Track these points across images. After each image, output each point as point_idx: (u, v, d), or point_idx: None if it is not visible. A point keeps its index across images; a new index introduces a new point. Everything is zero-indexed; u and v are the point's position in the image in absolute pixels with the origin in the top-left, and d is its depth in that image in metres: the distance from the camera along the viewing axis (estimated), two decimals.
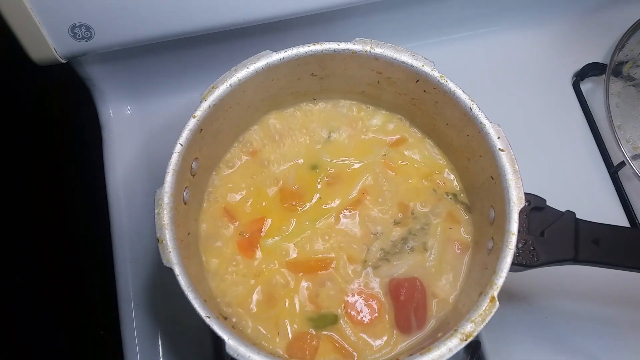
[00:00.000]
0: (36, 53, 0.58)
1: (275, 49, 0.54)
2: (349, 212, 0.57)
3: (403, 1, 0.69)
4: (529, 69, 0.76)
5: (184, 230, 0.51)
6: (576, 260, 0.49)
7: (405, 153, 0.61)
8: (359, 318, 0.53)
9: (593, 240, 0.49)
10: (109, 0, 0.56)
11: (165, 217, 0.48)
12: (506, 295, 0.47)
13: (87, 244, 0.74)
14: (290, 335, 0.52)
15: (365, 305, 0.54)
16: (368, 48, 0.54)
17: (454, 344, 0.44)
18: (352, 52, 0.54)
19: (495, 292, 0.46)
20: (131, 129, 0.70)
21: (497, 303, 0.46)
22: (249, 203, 0.57)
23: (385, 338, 0.52)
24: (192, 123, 0.51)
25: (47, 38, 0.57)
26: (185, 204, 0.52)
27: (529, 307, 0.62)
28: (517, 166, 0.51)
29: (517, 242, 0.48)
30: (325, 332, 0.52)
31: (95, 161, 0.69)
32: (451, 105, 0.54)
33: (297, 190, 0.58)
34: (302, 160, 0.60)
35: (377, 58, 0.54)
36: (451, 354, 0.44)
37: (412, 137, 0.61)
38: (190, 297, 0.45)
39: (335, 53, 0.54)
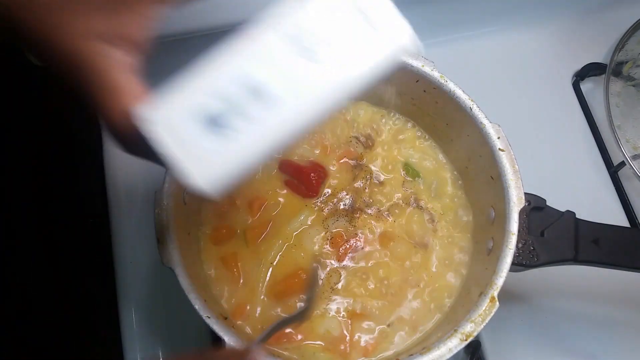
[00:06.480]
0: None
1: None
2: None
3: (403, 1, 0.69)
4: (529, 69, 0.76)
5: (184, 231, 0.51)
6: (576, 260, 0.49)
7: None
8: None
9: (593, 240, 0.50)
10: None
11: (165, 217, 0.48)
12: (506, 295, 0.47)
13: (87, 244, 0.74)
14: None
15: None
16: None
17: (454, 344, 0.44)
18: None
19: (495, 292, 0.46)
20: None
21: (497, 303, 0.46)
22: None
23: None
24: None
25: None
26: (185, 204, 0.51)
27: (529, 307, 0.62)
28: (517, 166, 0.51)
29: (517, 242, 0.48)
30: None
31: (95, 161, 0.69)
32: (451, 105, 0.54)
33: None
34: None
35: None
36: (451, 354, 0.44)
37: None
38: (190, 297, 0.45)
39: None
